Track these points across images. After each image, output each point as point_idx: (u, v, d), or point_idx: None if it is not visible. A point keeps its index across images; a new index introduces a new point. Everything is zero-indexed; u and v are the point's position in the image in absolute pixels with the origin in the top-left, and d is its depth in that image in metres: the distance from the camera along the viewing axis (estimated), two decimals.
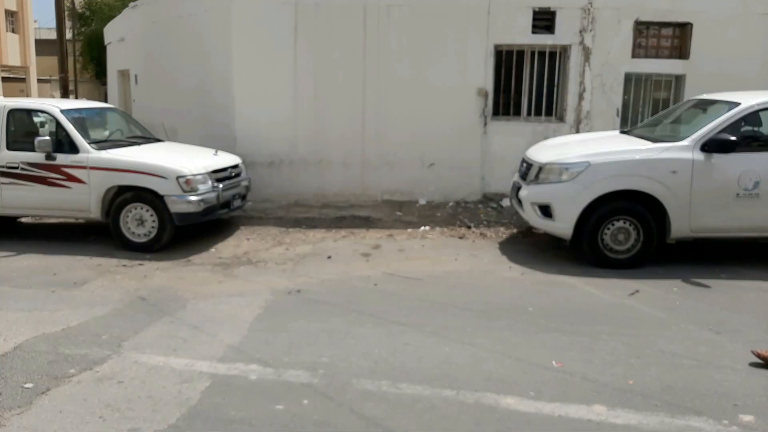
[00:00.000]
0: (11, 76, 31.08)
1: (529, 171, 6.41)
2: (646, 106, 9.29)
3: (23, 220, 8.25)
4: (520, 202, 6.52)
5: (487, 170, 9.10)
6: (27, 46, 31.73)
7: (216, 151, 7.59)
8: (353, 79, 8.95)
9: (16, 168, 6.81)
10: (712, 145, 5.71)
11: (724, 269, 5.95)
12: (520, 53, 9.01)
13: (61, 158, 6.70)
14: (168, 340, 4.31)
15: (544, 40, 8.93)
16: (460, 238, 7.30)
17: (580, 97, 9.06)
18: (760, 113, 5.92)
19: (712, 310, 4.93)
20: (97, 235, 7.32)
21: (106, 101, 16.17)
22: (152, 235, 6.61)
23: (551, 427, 3.22)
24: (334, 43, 8.88)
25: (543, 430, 3.20)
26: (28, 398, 3.51)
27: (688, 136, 5.87)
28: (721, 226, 5.90)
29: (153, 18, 11.06)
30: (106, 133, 7.76)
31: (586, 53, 8.93)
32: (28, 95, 29.85)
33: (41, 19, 66.29)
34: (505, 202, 8.73)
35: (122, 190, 6.64)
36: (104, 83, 23.97)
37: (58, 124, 6.82)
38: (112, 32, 14.48)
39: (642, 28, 9.03)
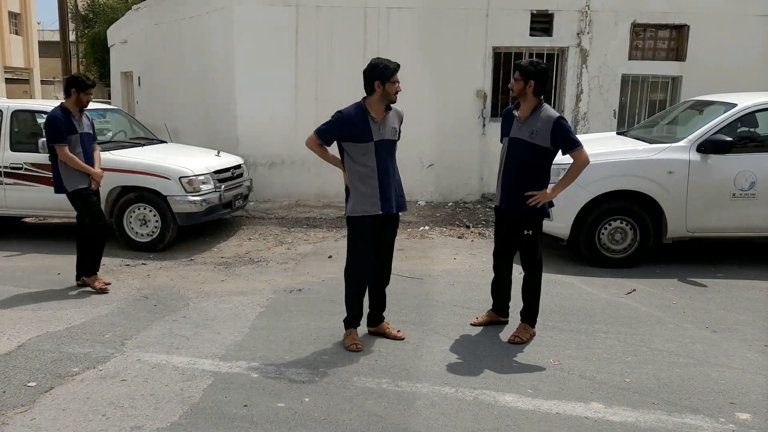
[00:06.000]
0: (15, 77, 31.15)
1: None
2: (643, 108, 9.33)
3: (27, 220, 8.31)
4: None
5: (485, 171, 9.14)
6: (30, 47, 31.82)
7: (218, 152, 7.63)
8: (354, 81, 8.93)
9: (20, 168, 6.86)
10: (708, 146, 5.74)
11: (720, 268, 5.99)
12: (519, 55, 9.05)
13: None
14: (170, 338, 4.35)
15: (542, 42, 8.98)
16: (459, 237, 7.35)
17: (578, 98, 9.11)
18: (757, 114, 5.97)
19: (709, 308, 4.96)
20: None
21: (109, 103, 16.26)
22: (155, 235, 6.65)
23: (549, 425, 3.23)
24: (334, 45, 8.93)
25: (541, 427, 3.22)
26: (32, 397, 3.52)
27: (685, 137, 5.91)
28: (717, 226, 5.93)
29: (156, 20, 11.12)
30: (110, 134, 7.82)
31: (584, 55, 8.97)
32: (31, 97, 29.88)
33: (45, 20, 66.38)
34: None
35: (126, 190, 6.69)
36: (108, 85, 24.02)
37: None
38: (115, 34, 14.55)
39: (639, 30, 9.08)
